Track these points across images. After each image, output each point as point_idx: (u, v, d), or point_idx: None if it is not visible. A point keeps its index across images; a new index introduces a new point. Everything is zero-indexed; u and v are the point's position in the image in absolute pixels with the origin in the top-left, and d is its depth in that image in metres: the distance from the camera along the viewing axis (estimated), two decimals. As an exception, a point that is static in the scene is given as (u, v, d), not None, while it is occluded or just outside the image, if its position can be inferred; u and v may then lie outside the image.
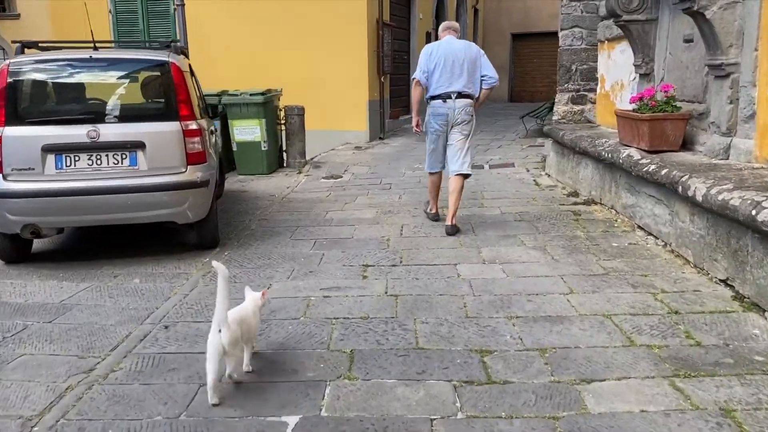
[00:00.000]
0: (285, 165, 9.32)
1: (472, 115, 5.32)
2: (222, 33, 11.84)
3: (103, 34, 10.83)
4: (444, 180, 5.63)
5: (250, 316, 2.89)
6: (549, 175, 7.63)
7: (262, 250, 4.94)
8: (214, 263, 2.79)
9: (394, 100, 13.33)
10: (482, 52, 5.38)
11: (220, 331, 2.63)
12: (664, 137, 4.93)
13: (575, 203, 6.15)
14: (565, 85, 9.17)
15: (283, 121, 9.17)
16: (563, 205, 6.13)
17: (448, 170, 5.43)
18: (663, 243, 4.61)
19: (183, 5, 8.60)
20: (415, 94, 5.47)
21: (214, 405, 2.64)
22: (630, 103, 5.35)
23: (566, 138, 6.71)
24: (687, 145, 5.05)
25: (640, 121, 5.00)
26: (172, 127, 4.65)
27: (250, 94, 8.55)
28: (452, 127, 5.28)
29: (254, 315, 2.93)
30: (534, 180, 7.50)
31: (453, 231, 5.20)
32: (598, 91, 7.39)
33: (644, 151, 5.03)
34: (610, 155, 5.46)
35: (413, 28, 14.12)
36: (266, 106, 8.63)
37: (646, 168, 4.69)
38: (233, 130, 8.66)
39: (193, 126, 4.72)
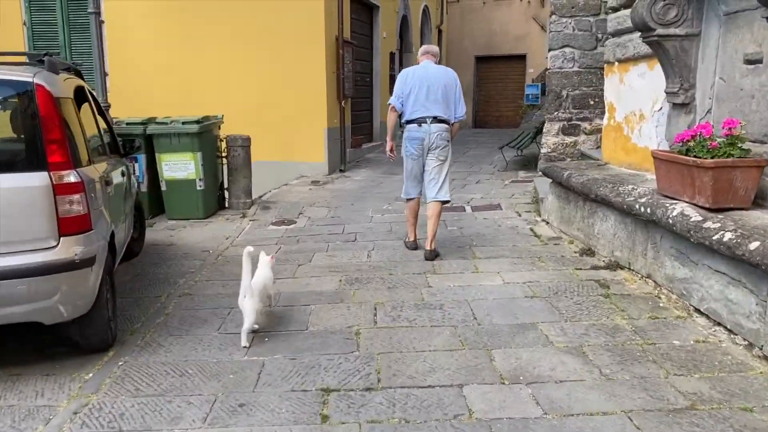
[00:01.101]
0: (227, 206, 7.78)
1: (448, 141, 5.24)
2: (157, 51, 10.27)
3: (16, 49, 9.13)
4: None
5: (268, 279, 3.81)
6: (548, 223, 6.31)
7: (174, 357, 3.40)
8: (246, 250, 3.61)
9: (356, 126, 11.95)
10: (458, 81, 5.31)
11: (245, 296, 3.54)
12: (732, 191, 3.64)
13: (595, 267, 4.81)
14: (555, 113, 7.96)
15: (224, 154, 7.65)
16: (580, 269, 4.78)
17: (426, 196, 5.34)
18: (746, 342, 3.29)
19: (98, 13, 6.98)
20: (389, 119, 5.49)
21: (244, 347, 3.50)
22: (675, 142, 4.07)
23: (574, 181, 5.41)
24: (758, 200, 3.78)
25: (699, 169, 3.70)
26: (35, 180, 3.10)
27: (183, 123, 7.01)
28: (428, 152, 5.21)
29: (270, 278, 3.88)
30: (531, 229, 6.16)
31: (432, 256, 5.17)
32: (606, 122, 6.14)
33: (703, 208, 3.73)
34: (648, 210, 4.14)
35: (376, 48, 12.83)
36: (203, 136, 7.10)
37: (717, 236, 3.37)
38: (162, 165, 7.09)
39: (70, 178, 3.18)
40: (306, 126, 9.93)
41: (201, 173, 7.11)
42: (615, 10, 5.82)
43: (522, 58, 22.59)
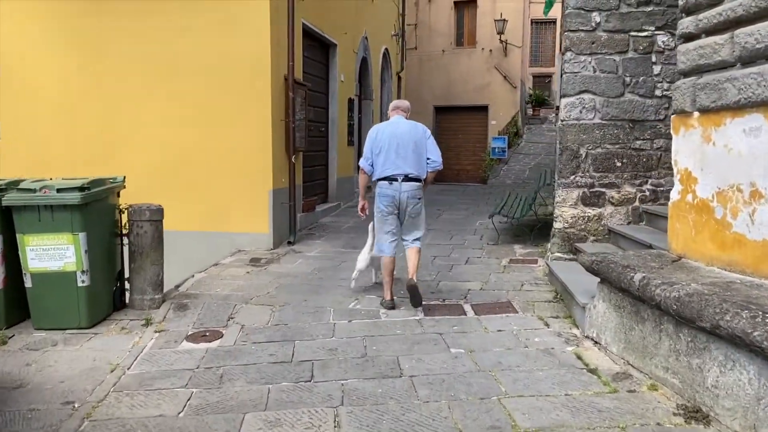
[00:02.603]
0: (127, 303, 5.50)
1: (420, 198, 5.18)
2: (57, 95, 8.05)
3: None
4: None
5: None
6: (597, 343, 4.32)
7: None
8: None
9: (309, 185, 9.89)
10: (429, 133, 5.24)
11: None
12: None
13: (734, 459, 2.81)
14: (572, 177, 6.10)
15: (125, 232, 5.42)
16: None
17: (403, 244, 5.29)
18: None
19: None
20: (361, 179, 5.41)
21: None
22: None
23: (660, 294, 3.45)
24: None
25: None
26: None
27: (59, 190, 4.78)
28: (400, 211, 5.14)
29: None
30: (576, 355, 4.14)
31: (414, 288, 5.09)
32: (678, 196, 4.25)
33: None
34: None
35: (333, 93, 10.92)
36: (89, 209, 4.88)
37: None
38: (26, 252, 4.80)
39: None
40: (246, 187, 7.80)
41: (84, 263, 4.85)
42: (693, 37, 4.04)
43: (484, 109, 21.25)
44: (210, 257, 7.42)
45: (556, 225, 6.23)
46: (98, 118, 7.98)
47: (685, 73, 4.13)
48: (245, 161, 7.79)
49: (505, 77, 20.91)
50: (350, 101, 11.80)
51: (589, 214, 6.15)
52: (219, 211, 7.85)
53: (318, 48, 10.30)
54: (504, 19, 20.11)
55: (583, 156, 6.16)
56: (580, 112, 6.14)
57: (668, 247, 4.36)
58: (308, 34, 9.59)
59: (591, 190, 6.16)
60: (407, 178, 5.04)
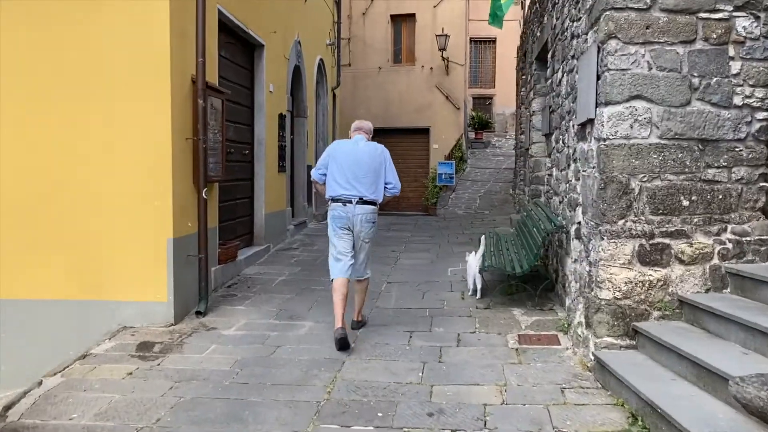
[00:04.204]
0: None
1: (374, 222, 5.02)
2: None
3: None
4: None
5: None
6: None
7: None
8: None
9: (229, 226, 7.51)
10: (387, 156, 5.09)
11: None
12: None
13: None
14: (620, 223, 4.14)
15: None
16: None
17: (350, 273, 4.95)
18: None
19: None
20: (319, 189, 5.22)
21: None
22: None
23: None
24: None
25: None
26: None
27: None
28: (351, 233, 4.93)
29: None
30: None
31: (359, 327, 5.14)
32: None
33: None
34: None
35: (259, 105, 8.62)
36: None
37: None
38: None
39: None
40: (133, 235, 5.38)
41: None
42: None
43: (425, 131, 19.43)
44: (75, 343, 4.94)
45: (603, 294, 4.21)
46: None
47: None
48: (133, 198, 5.38)
49: (447, 97, 19.25)
50: (281, 117, 9.52)
51: (651, 278, 4.18)
52: (94, 269, 5.38)
53: (241, 48, 8.01)
54: (446, 35, 18.48)
55: (636, 191, 4.21)
56: (631, 127, 4.20)
57: None
58: (228, 28, 7.32)
59: (650, 241, 4.19)
60: (361, 201, 4.90)
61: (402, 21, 19.87)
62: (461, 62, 19.51)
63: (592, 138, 4.51)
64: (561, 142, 6.15)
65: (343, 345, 4.62)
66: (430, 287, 6.81)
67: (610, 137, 4.22)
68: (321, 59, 12.78)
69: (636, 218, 4.20)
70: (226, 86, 7.08)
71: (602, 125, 4.25)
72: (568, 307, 5.34)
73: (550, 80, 7.25)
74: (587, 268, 4.54)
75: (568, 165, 5.63)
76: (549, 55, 7.28)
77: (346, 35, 18.67)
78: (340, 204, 4.91)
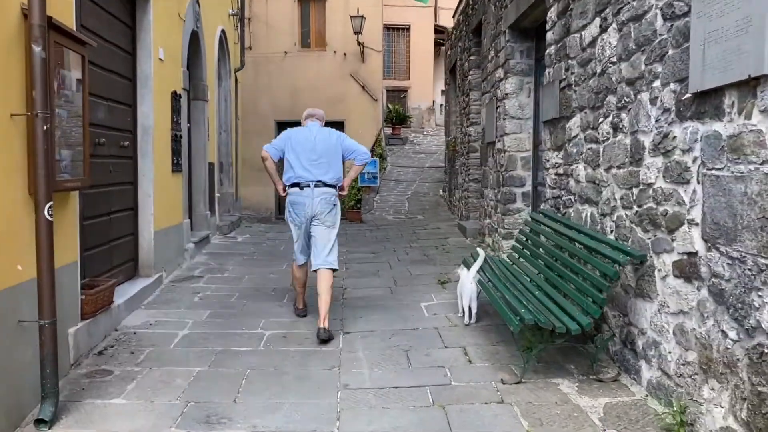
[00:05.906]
0: None
1: (335, 204, 4.98)
2: None
3: None
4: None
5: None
6: None
7: None
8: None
9: (100, 253, 4.94)
10: (342, 135, 5.11)
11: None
12: None
13: None
14: None
15: None
16: None
17: (312, 264, 4.91)
18: None
19: None
20: (269, 166, 5.05)
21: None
22: None
23: None
24: None
25: None
26: None
27: None
28: (312, 218, 4.89)
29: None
30: None
31: (327, 336, 4.54)
32: None
33: None
34: None
35: (144, 77, 6.03)
36: None
37: None
38: None
39: None
40: None
41: None
42: None
43: (339, 125, 17.21)
44: None
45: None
46: None
47: None
48: None
49: (363, 87, 17.19)
50: (175, 98, 6.97)
51: None
52: None
53: (113, -7, 5.44)
54: (362, 16, 16.40)
55: None
56: None
57: None
58: (91, -46, 4.77)
59: None
60: (320, 184, 4.86)
61: (310, 0, 17.58)
62: (378, 48, 17.55)
63: (755, 111, 2.59)
64: (605, 126, 4.25)
65: (304, 315, 5.14)
66: (411, 340, 4.66)
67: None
68: (223, 30, 10.23)
69: None
70: (96, 44, 4.53)
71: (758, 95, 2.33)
72: (657, 383, 3.43)
73: (557, 46, 5.35)
74: (737, 337, 2.61)
75: (639, 160, 3.72)
76: (554, 15, 5.39)
77: (246, 15, 16.07)
78: (298, 188, 4.88)
